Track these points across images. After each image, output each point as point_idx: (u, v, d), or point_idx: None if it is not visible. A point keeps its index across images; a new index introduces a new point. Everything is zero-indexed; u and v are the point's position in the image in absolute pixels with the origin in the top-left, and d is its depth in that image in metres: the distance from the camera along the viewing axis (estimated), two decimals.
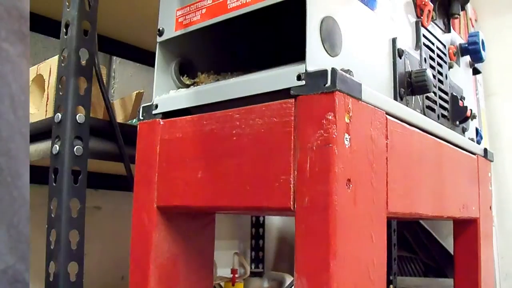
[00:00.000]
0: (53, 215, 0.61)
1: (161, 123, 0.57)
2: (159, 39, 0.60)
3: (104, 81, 0.71)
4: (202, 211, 0.62)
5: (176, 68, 0.61)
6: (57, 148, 0.61)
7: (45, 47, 1.11)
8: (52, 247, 0.61)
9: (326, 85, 0.42)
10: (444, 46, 0.74)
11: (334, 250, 0.40)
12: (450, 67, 0.75)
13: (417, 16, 0.66)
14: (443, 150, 0.66)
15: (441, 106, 0.69)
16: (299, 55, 0.45)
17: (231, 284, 1.17)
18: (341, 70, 0.43)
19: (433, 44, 0.70)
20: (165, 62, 0.60)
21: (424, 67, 0.64)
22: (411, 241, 1.68)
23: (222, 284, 1.19)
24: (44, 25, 1.09)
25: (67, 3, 0.68)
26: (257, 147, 0.47)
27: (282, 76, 0.46)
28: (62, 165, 0.60)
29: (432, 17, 0.69)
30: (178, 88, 0.61)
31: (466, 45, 0.80)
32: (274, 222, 1.56)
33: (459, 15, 0.76)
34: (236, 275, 1.19)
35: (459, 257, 0.79)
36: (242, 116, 0.49)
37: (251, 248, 1.45)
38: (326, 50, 0.46)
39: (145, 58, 1.28)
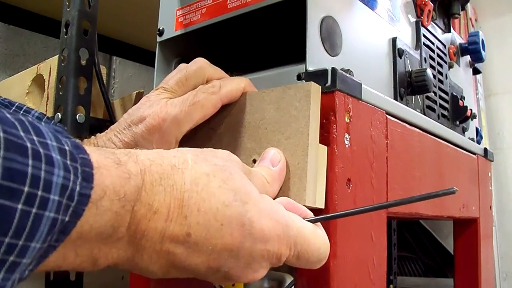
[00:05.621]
0: None
1: None
2: (159, 39, 0.60)
3: (104, 81, 0.71)
4: None
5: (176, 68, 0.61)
6: None
7: (45, 47, 1.11)
8: None
9: (326, 85, 0.42)
10: (444, 46, 0.74)
11: (334, 250, 0.40)
12: (450, 67, 0.75)
13: (417, 16, 0.66)
14: (443, 150, 0.66)
15: (441, 106, 0.69)
16: (299, 55, 0.45)
17: (231, 284, 1.17)
18: (341, 69, 0.43)
19: (433, 44, 0.70)
20: (165, 62, 0.60)
21: (424, 67, 0.64)
22: (411, 241, 1.68)
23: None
24: (44, 25, 1.09)
25: (67, 3, 0.68)
26: None
27: (282, 76, 0.46)
28: None
29: (432, 17, 0.69)
30: None
31: (466, 45, 0.80)
32: None
33: (459, 15, 0.76)
34: None
35: (459, 257, 0.79)
36: None
37: None
38: (326, 50, 0.46)
39: (145, 58, 1.29)
